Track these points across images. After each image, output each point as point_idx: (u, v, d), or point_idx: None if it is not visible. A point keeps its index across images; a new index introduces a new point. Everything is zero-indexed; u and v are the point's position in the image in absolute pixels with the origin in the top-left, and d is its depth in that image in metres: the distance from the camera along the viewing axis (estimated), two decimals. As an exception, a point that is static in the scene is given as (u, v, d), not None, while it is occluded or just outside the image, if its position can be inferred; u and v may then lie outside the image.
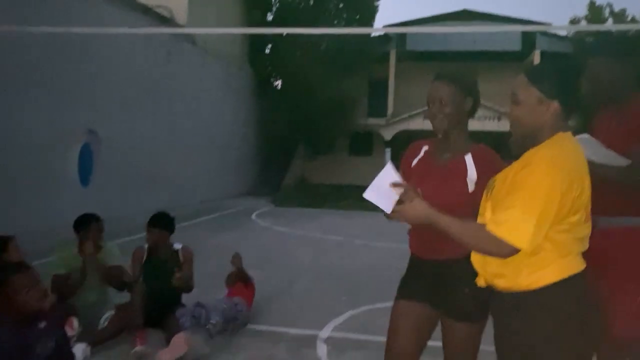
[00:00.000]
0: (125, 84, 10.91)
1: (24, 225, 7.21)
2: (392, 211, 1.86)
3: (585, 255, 1.94)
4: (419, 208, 1.83)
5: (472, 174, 2.11)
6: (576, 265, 1.83)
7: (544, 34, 19.45)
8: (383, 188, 1.88)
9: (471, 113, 2.21)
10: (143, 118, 11.66)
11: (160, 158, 12.26)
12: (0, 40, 5.89)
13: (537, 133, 1.84)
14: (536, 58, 19.42)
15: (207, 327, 4.07)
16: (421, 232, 2.27)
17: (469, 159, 2.14)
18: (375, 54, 19.42)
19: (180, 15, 14.08)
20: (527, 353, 1.79)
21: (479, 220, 1.98)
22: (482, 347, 2.24)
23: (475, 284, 2.05)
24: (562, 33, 21.51)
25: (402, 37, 20.41)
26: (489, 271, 1.88)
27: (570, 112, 1.83)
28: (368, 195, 1.88)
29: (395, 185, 1.88)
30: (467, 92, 2.17)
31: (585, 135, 2.40)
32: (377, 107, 20.54)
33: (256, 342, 4.04)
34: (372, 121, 20.24)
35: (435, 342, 2.29)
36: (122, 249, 4.51)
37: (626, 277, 2.32)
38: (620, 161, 2.32)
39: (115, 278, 4.17)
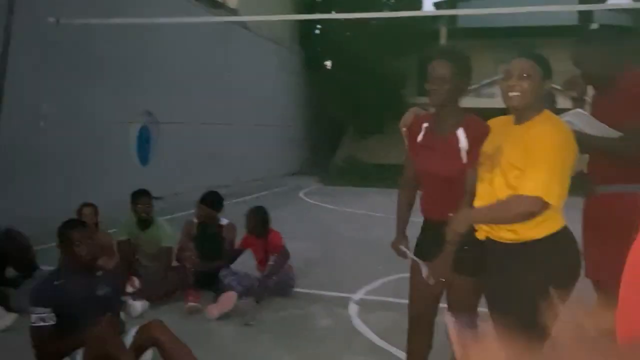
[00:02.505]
0: (180, 68, 11.48)
1: (89, 199, 7.87)
2: (448, 232, 2.28)
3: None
4: (460, 219, 2.24)
5: (464, 145, 2.38)
6: (563, 219, 2.19)
7: (603, 7, 18.79)
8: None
9: (465, 90, 2.47)
10: (198, 100, 12.24)
11: (215, 138, 12.87)
12: (68, 31, 6.46)
13: (535, 105, 2.17)
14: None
15: (259, 292, 4.36)
16: (431, 199, 2.58)
17: (460, 132, 2.41)
18: (425, 31, 19.30)
19: (232, -1, 14.57)
20: (524, 292, 2.10)
21: (482, 186, 2.28)
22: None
23: (477, 242, 2.37)
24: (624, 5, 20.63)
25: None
26: (497, 227, 2.21)
27: None
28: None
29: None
30: (463, 73, 2.42)
31: (579, 110, 2.62)
32: (427, 86, 20.43)
33: (294, 302, 4.47)
34: (422, 100, 20.15)
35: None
36: (179, 223, 4.98)
37: (615, 236, 2.56)
38: (612, 133, 2.53)
39: (162, 258, 4.63)
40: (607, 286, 2.68)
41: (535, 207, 2.06)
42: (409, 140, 2.62)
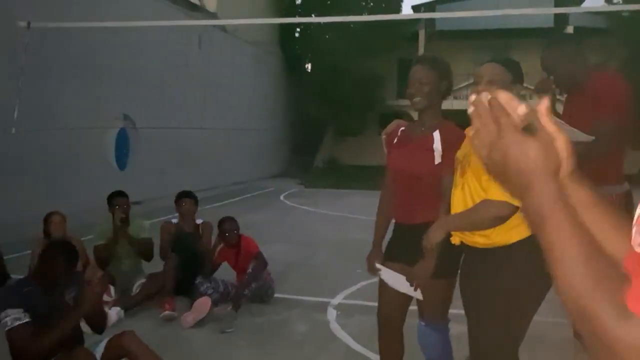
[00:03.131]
0: (158, 71, 11.38)
1: (65, 206, 7.74)
2: (424, 242, 2.26)
3: None
4: (435, 229, 2.22)
5: (437, 147, 2.40)
6: None
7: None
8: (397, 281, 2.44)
9: (445, 96, 2.49)
10: (177, 103, 12.15)
11: (195, 142, 12.76)
12: (41, 35, 6.35)
13: None
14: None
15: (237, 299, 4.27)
16: (401, 200, 2.59)
17: (436, 134, 2.43)
18: (404, 34, 19.41)
19: (210, 2, 14.48)
20: (498, 296, 2.12)
21: (456, 191, 2.29)
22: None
23: (445, 246, 2.36)
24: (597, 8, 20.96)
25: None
26: (470, 232, 2.21)
27: None
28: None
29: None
30: (443, 76, 2.44)
31: (551, 114, 2.64)
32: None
33: (273, 308, 4.44)
34: (402, 102, 20.28)
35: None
36: (157, 228, 4.92)
37: None
38: (583, 137, 2.55)
39: (144, 249, 4.60)
40: None
41: (503, 211, 2.06)
42: (387, 146, 2.63)
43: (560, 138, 0.77)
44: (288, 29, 19.61)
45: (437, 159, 2.40)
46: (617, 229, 0.83)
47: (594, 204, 0.84)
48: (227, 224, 4.62)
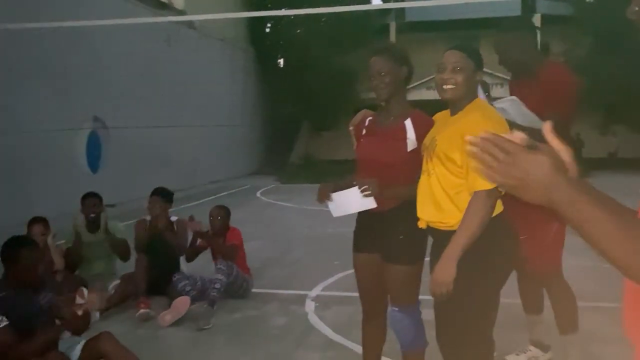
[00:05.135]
0: (128, 71, 11.21)
1: (35, 212, 7.59)
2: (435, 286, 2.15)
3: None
4: (444, 270, 2.12)
5: (411, 135, 2.41)
6: (499, 206, 2.20)
7: (544, -4, 19.36)
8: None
9: (407, 81, 2.51)
10: (148, 102, 11.99)
11: (167, 142, 12.61)
12: (4, 37, 6.21)
13: (467, 96, 2.22)
14: (537, 22, 19.36)
15: (211, 295, 4.22)
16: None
17: (408, 123, 2.44)
18: (375, 26, 19.44)
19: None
20: (469, 274, 2.12)
21: (422, 176, 2.30)
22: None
23: (409, 231, 2.39)
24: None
25: (401, 8, 20.37)
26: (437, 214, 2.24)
27: None
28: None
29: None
30: (401, 63, 2.46)
31: (513, 97, 2.68)
32: (379, 81, 20.61)
33: (250, 303, 4.43)
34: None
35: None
36: (130, 231, 4.85)
37: (542, 222, 2.67)
38: (540, 124, 2.60)
39: (120, 249, 4.58)
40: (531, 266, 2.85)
41: (495, 198, 2.08)
42: (355, 137, 2.64)
43: (564, 150, 0.90)
44: (258, 24, 19.46)
45: (410, 146, 2.42)
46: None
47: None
48: (213, 210, 4.67)
